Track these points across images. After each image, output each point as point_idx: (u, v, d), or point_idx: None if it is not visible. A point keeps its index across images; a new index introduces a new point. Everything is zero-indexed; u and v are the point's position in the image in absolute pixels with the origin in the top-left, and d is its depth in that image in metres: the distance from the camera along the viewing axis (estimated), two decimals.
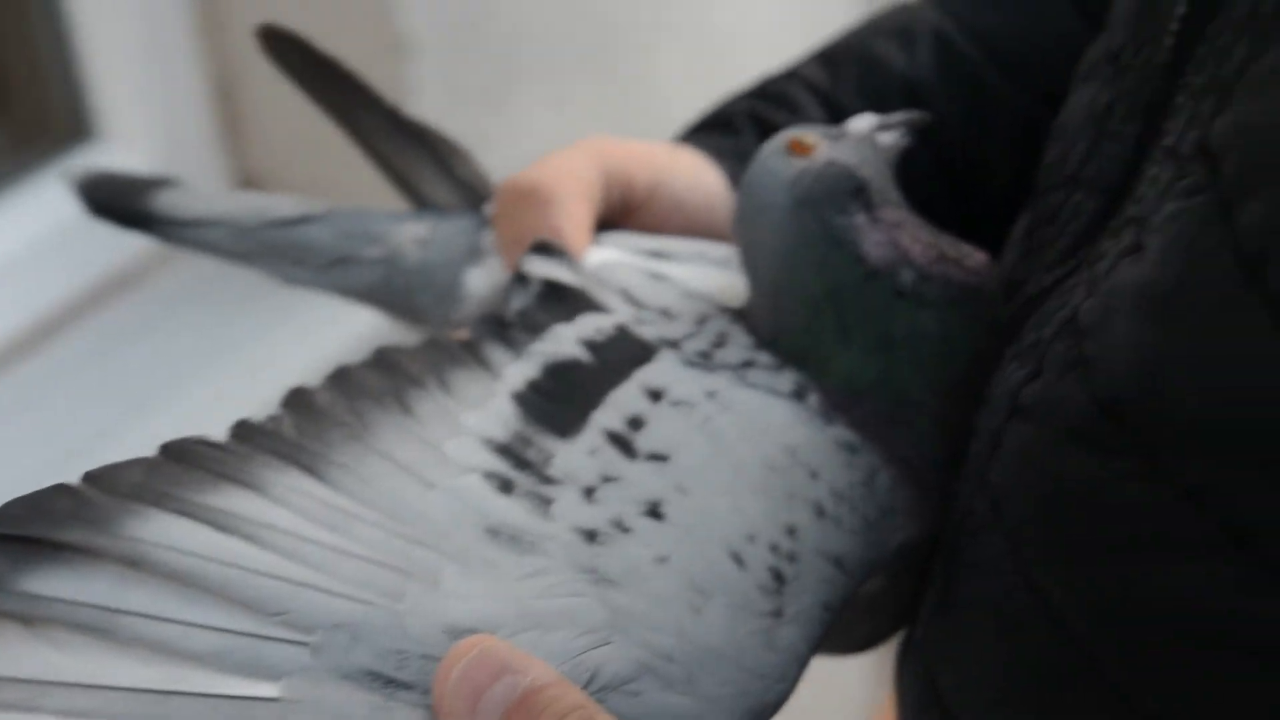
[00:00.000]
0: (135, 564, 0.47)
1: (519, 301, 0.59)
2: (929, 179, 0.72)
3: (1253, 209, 0.47)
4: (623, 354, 0.58)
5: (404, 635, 0.48)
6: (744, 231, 0.62)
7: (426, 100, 1.42)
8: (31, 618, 0.45)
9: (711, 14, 1.65)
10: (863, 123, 0.63)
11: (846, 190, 0.59)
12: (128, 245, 1.44)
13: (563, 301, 0.60)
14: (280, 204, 0.69)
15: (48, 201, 1.47)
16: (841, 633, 0.62)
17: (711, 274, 0.65)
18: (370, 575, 0.49)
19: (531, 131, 1.49)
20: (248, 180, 1.56)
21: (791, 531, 0.54)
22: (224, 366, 1.42)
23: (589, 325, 0.59)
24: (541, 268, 0.61)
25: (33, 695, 0.44)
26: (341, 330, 0.55)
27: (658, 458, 0.54)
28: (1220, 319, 0.47)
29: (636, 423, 0.55)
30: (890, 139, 0.62)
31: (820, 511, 0.55)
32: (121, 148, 1.52)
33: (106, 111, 1.53)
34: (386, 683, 0.47)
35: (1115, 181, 0.56)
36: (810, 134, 0.62)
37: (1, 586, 0.45)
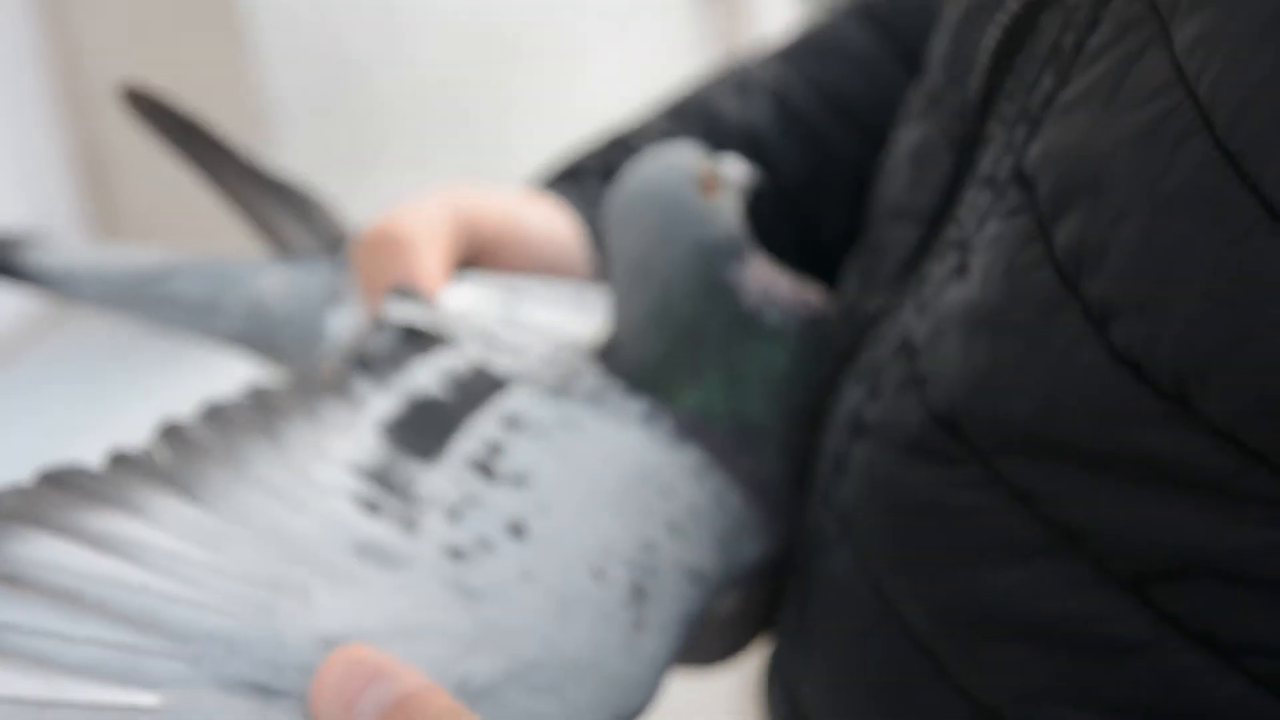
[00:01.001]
0: (13, 581, 0.48)
1: (378, 343, 0.61)
2: (771, 224, 0.75)
3: (1068, 226, 0.50)
4: (479, 386, 0.60)
5: (279, 646, 0.49)
6: (634, 248, 0.64)
7: (294, 164, 1.43)
8: None
9: (571, 90, 1.68)
10: (738, 165, 0.66)
11: (736, 249, 0.63)
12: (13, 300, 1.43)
13: (421, 341, 0.62)
14: (143, 255, 0.70)
15: None
16: (701, 647, 0.65)
17: (563, 311, 0.67)
18: (243, 591, 0.50)
19: (396, 195, 1.50)
20: (110, 233, 1.56)
21: (648, 547, 0.56)
22: (121, 417, 1.42)
23: (446, 361, 0.61)
24: (399, 311, 0.63)
25: None
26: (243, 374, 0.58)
27: (517, 481, 0.57)
28: (1043, 330, 0.50)
29: (495, 448, 0.58)
30: (738, 174, 0.66)
31: (674, 528, 0.58)
32: None
33: None
34: (264, 691, 0.48)
35: (935, 209, 0.59)
36: (715, 170, 0.64)
37: None
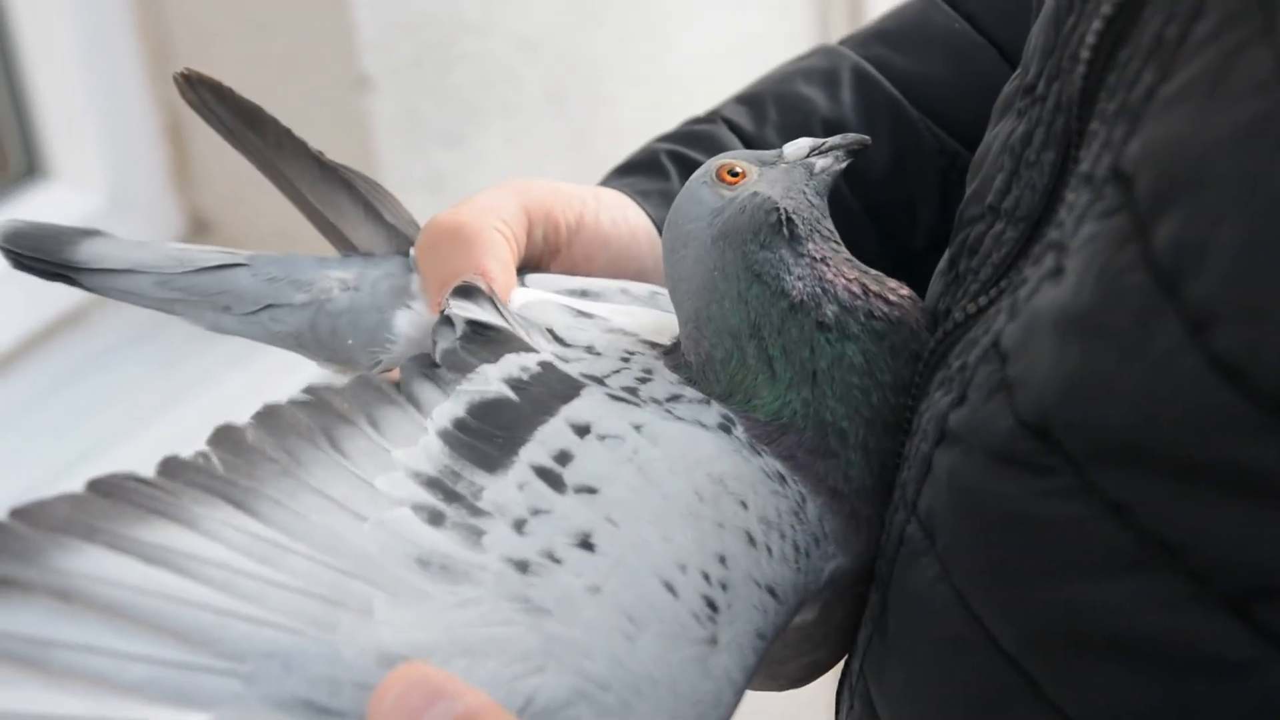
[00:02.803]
0: (66, 597, 0.47)
1: (445, 343, 0.60)
2: (856, 221, 0.73)
3: (1166, 227, 0.48)
4: (548, 391, 0.58)
5: (337, 663, 0.48)
6: (670, 262, 0.62)
7: (386, 137, 1.42)
8: None
9: (667, 57, 1.67)
10: (798, 146, 0.64)
11: (770, 224, 0.60)
12: (55, 296, 1.44)
13: (488, 342, 0.60)
14: (204, 253, 0.69)
15: None
16: (775, 665, 0.62)
17: (636, 312, 0.65)
18: (302, 606, 0.49)
19: (489, 169, 1.50)
20: (195, 218, 1.56)
21: (723, 560, 0.54)
22: (160, 415, 1.42)
23: (514, 364, 0.59)
24: (466, 309, 0.61)
25: None
26: (283, 379, 0.56)
27: (587, 490, 0.55)
28: (1138, 335, 0.48)
29: (564, 457, 0.55)
30: (826, 163, 0.63)
31: (751, 540, 0.55)
32: (71, 186, 1.52)
33: (57, 151, 1.53)
34: (320, 711, 0.47)
35: (1034, 210, 0.57)
36: (741, 161, 0.62)
37: None
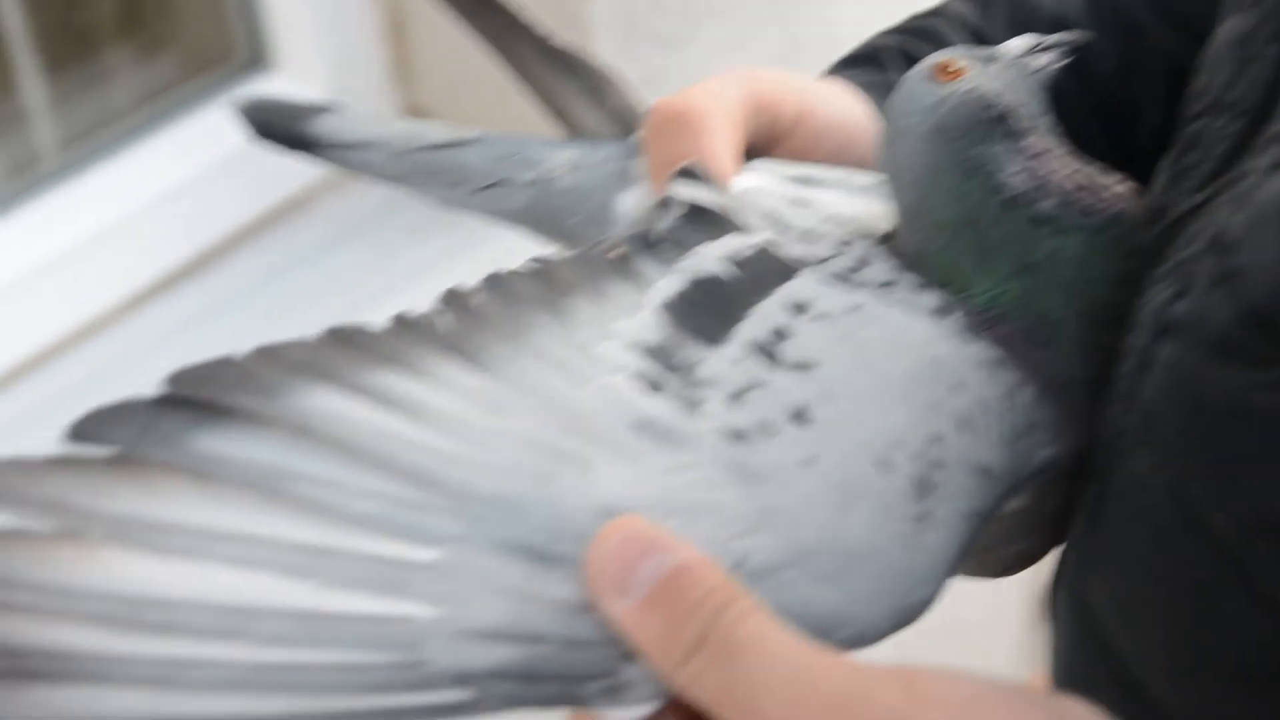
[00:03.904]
0: (301, 431, 0.50)
1: (666, 222, 0.61)
2: (1080, 119, 0.72)
3: None
4: (766, 270, 0.59)
5: (557, 513, 0.50)
6: (886, 156, 0.63)
7: (605, 38, 1.43)
8: (203, 474, 0.48)
9: None
10: (1016, 44, 0.64)
11: (986, 118, 0.60)
12: (297, 173, 1.47)
13: (708, 223, 0.61)
14: (435, 130, 0.71)
15: (223, 128, 1.51)
16: (986, 552, 0.63)
17: (855, 200, 0.66)
18: (524, 457, 0.51)
19: (707, 73, 1.50)
20: (413, 111, 1.58)
21: (936, 440, 0.55)
22: (390, 293, 1.46)
23: (733, 245, 0.60)
24: (688, 191, 0.62)
25: (204, 544, 0.48)
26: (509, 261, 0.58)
27: (803, 367, 0.56)
28: None
29: (780, 334, 0.57)
30: (1044, 60, 0.63)
31: (964, 422, 0.56)
32: (294, 77, 1.56)
33: (280, 42, 1.56)
34: (539, 556, 0.49)
35: (1258, 103, 0.56)
36: (959, 58, 0.62)
37: (175, 444, 0.49)
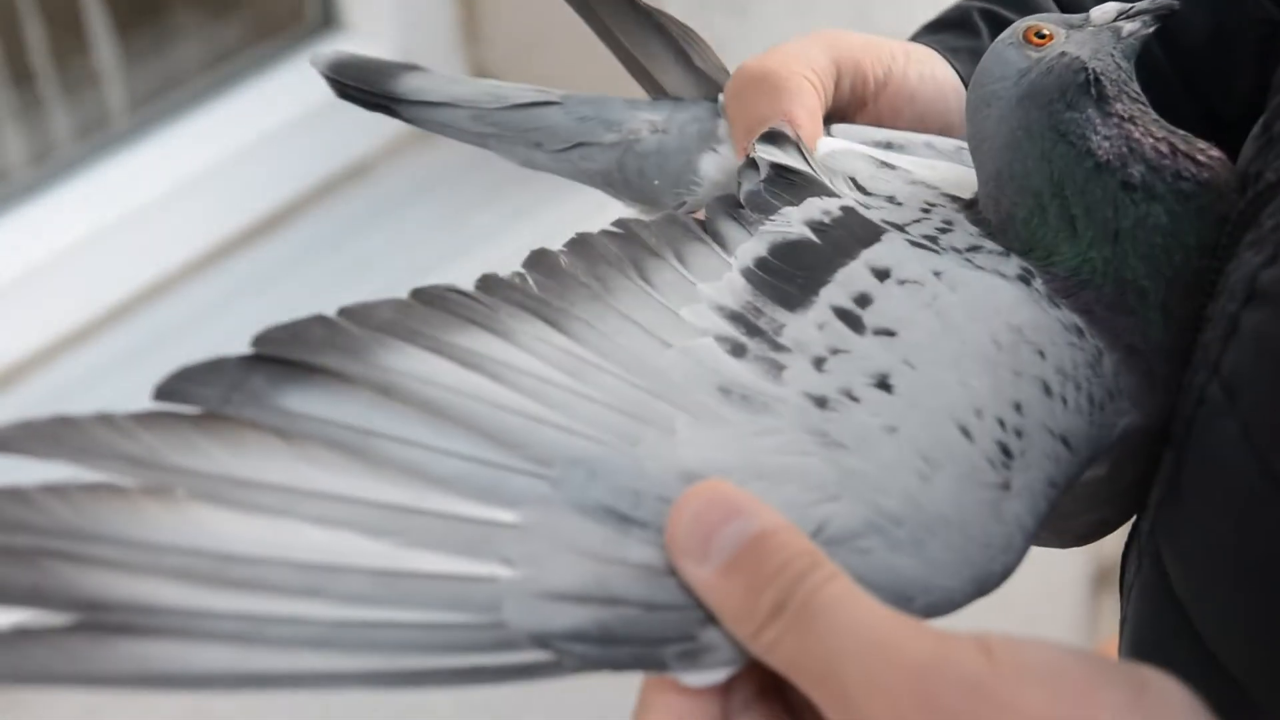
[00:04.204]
0: (386, 391, 0.50)
1: (749, 185, 0.61)
2: (1171, 88, 0.71)
3: None
4: (849, 235, 0.59)
5: (640, 476, 0.50)
6: (973, 121, 0.62)
7: (672, 1, 1.43)
8: (289, 433, 0.49)
9: None
10: (1106, 10, 0.63)
11: (1077, 84, 0.60)
12: (374, 130, 1.47)
13: (791, 186, 0.61)
14: (518, 90, 0.71)
15: (292, 90, 1.51)
16: (1063, 521, 0.62)
17: (939, 165, 0.65)
18: (608, 419, 0.51)
19: (770, 39, 1.49)
20: (481, 74, 1.58)
21: (1018, 407, 0.54)
22: (466, 252, 1.46)
23: (816, 208, 0.60)
24: (771, 154, 0.62)
25: (289, 502, 0.48)
26: (593, 219, 0.58)
27: (885, 332, 0.55)
28: None
29: (864, 299, 0.56)
30: (1133, 26, 0.62)
31: (1047, 389, 0.55)
32: (363, 40, 1.56)
33: (350, 4, 1.56)
34: (621, 519, 0.49)
35: None
36: (1048, 24, 0.62)
37: (261, 402, 0.49)
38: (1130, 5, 0.63)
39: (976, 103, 0.62)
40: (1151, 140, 0.59)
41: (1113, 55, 0.61)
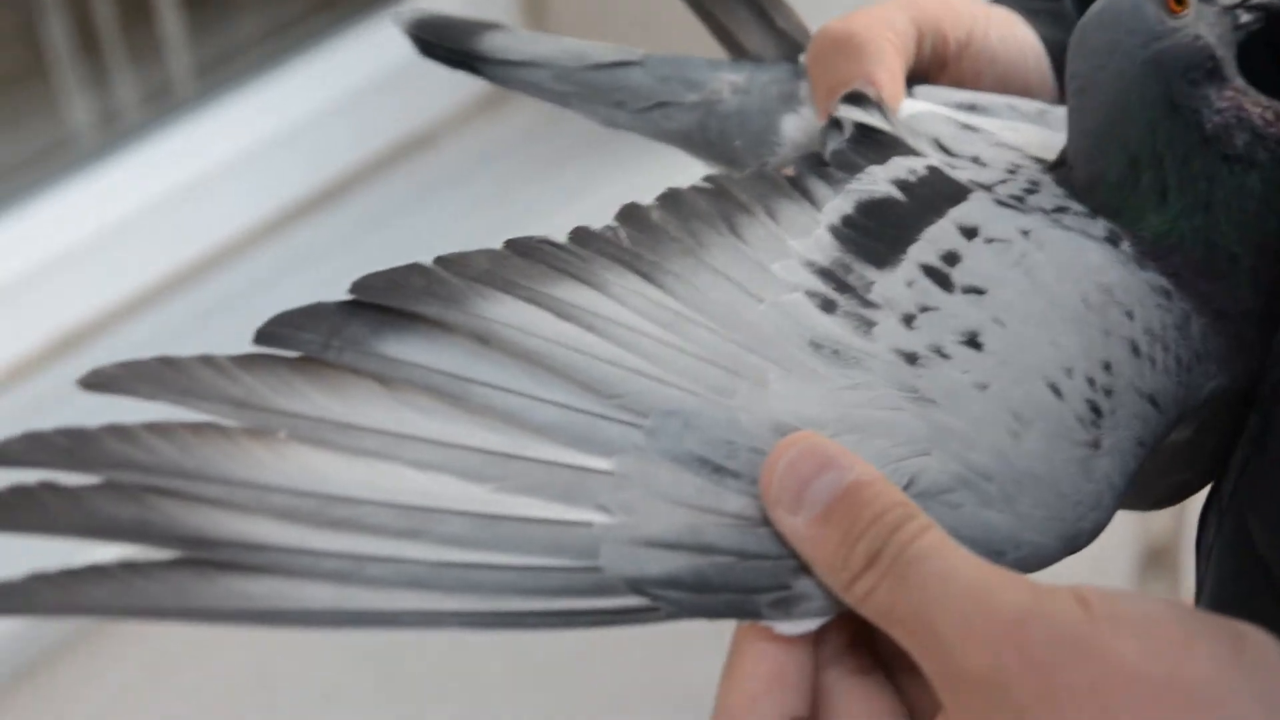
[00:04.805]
0: (484, 340, 0.51)
1: (834, 144, 0.61)
2: (1260, 43, 0.71)
3: None
4: (936, 193, 0.59)
5: (733, 427, 0.51)
6: (1084, 66, 0.62)
7: None
8: (389, 379, 0.50)
9: None
10: None
11: (1206, 69, 0.59)
12: (456, 88, 1.48)
13: (876, 145, 0.61)
14: (601, 49, 0.71)
15: (373, 48, 1.51)
16: (1145, 484, 0.63)
17: (1023, 128, 0.65)
18: (702, 371, 0.52)
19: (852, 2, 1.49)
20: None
21: (1107, 367, 0.55)
22: (551, 211, 1.47)
23: (902, 167, 0.60)
24: (855, 114, 0.62)
25: (390, 446, 0.49)
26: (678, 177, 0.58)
27: (974, 290, 0.56)
28: None
29: (952, 258, 0.57)
30: (1249, 19, 0.61)
31: (1135, 350, 0.56)
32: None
33: None
34: (715, 469, 0.50)
35: None
36: None
37: (361, 348, 0.50)
38: None
39: (1094, 48, 0.62)
40: (1259, 109, 0.59)
41: (1228, 41, 0.61)
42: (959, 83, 0.69)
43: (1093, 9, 0.62)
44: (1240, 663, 0.45)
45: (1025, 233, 0.58)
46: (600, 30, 1.52)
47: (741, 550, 0.49)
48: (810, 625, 0.50)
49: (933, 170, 0.60)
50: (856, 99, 0.63)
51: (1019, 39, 0.70)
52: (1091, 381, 0.54)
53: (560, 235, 0.54)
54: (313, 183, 1.51)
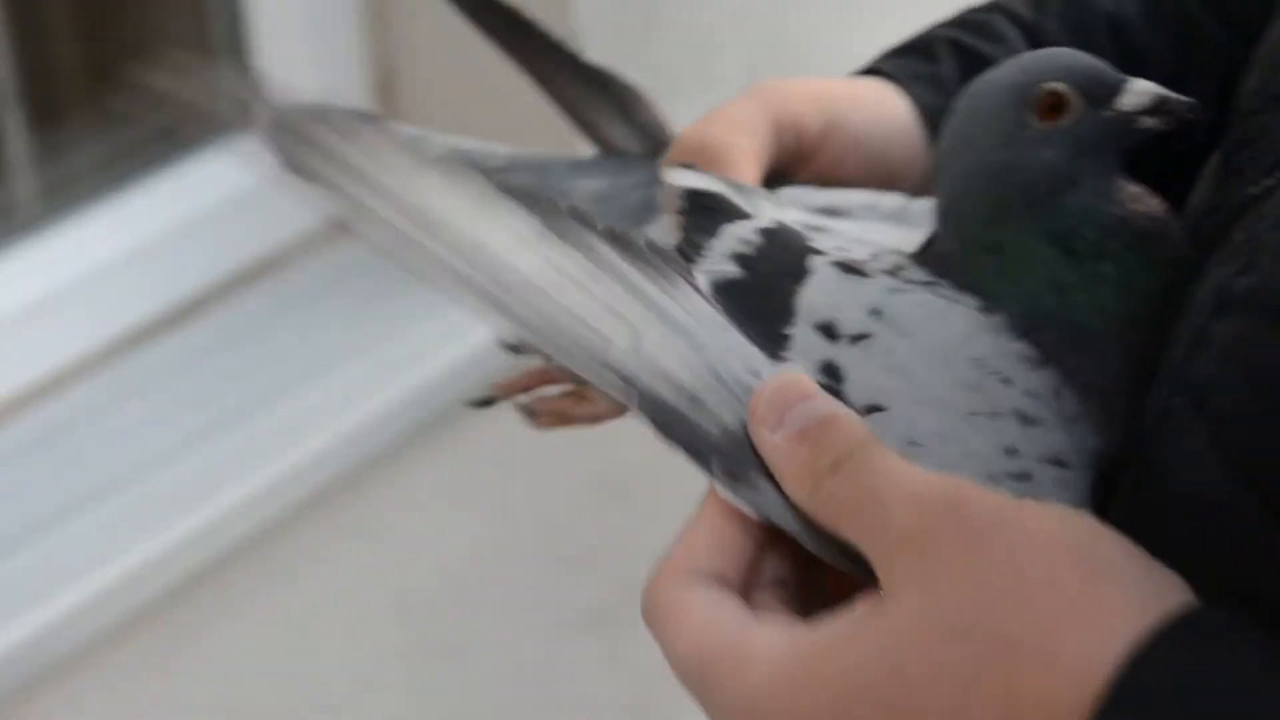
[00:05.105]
0: None
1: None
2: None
3: None
4: (777, 270, 0.61)
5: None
6: (944, 147, 0.63)
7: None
8: None
9: (867, 42, 1.67)
10: (1142, 97, 0.61)
11: (1055, 189, 0.60)
12: (306, 212, 1.48)
13: (707, 213, 0.63)
14: (470, 151, 0.70)
15: (220, 172, 1.50)
16: None
17: (883, 229, 0.66)
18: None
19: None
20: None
21: (1011, 452, 0.57)
22: (402, 332, 1.46)
23: (734, 237, 0.62)
24: (686, 179, 0.64)
25: None
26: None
27: (875, 409, 0.57)
28: None
29: (832, 370, 0.58)
30: (1153, 123, 0.61)
31: (1024, 418, 0.57)
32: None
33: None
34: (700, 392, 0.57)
35: None
36: (1072, 91, 0.60)
37: None
38: (1168, 98, 0.61)
39: (957, 131, 0.62)
40: (1116, 206, 0.60)
41: (1105, 160, 0.60)
42: (822, 172, 0.69)
43: (972, 87, 0.63)
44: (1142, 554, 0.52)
45: (876, 313, 0.59)
46: (454, 117, 1.53)
47: (723, 427, 0.56)
48: (747, 509, 0.55)
49: (765, 234, 0.62)
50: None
51: (886, 117, 0.71)
52: (1009, 474, 0.57)
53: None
54: (160, 305, 1.49)
